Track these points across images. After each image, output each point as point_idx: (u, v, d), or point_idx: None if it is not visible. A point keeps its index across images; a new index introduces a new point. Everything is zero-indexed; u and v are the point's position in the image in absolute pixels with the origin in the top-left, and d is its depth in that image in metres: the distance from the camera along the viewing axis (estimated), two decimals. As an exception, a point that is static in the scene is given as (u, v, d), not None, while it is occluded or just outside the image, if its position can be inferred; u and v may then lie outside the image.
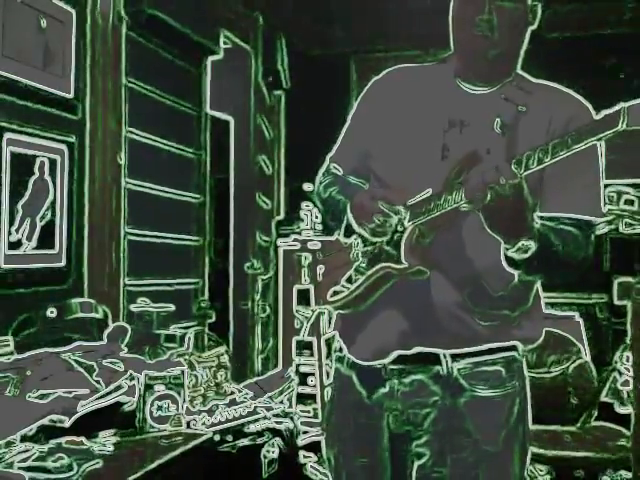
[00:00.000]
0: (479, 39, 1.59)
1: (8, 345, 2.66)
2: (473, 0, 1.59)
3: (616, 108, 1.30)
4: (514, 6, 1.59)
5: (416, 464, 1.65)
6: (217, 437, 2.70)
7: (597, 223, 1.60)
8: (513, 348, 1.64)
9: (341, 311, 1.74)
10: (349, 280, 1.67)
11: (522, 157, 1.38)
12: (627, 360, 3.43)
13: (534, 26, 1.65)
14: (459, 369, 1.61)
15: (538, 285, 1.67)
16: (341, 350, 1.76)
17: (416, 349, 1.61)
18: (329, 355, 3.63)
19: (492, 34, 1.58)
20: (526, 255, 1.45)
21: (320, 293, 1.75)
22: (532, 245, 1.45)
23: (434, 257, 1.56)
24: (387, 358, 1.64)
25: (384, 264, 1.59)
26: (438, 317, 1.59)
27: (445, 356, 1.61)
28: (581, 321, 4.04)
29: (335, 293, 1.69)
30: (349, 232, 1.68)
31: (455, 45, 1.67)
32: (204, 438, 2.55)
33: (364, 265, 1.64)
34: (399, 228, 1.57)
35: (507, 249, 1.47)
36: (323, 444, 1.83)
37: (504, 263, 1.50)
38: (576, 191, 1.58)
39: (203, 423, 2.69)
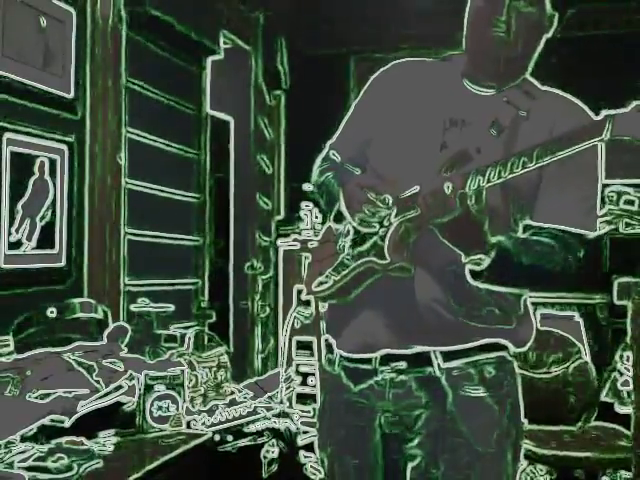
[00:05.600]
0: (494, 40, 1.58)
1: (8, 345, 2.66)
2: (493, 0, 1.59)
3: (601, 117, 1.30)
4: (533, 11, 1.59)
5: (409, 466, 1.64)
6: (217, 437, 2.70)
7: (589, 238, 1.59)
8: (503, 348, 1.64)
9: (326, 302, 1.74)
10: (335, 271, 1.66)
11: (507, 161, 1.39)
12: (627, 360, 3.43)
13: (549, 34, 1.64)
14: (450, 369, 1.60)
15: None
16: (330, 351, 1.75)
17: (404, 349, 1.61)
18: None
19: (508, 36, 1.57)
20: (478, 268, 1.48)
21: (306, 284, 1.76)
22: (484, 259, 1.46)
23: (418, 255, 1.56)
24: (373, 353, 1.64)
25: (368, 258, 1.59)
26: (422, 315, 1.59)
27: (436, 357, 1.60)
28: (581, 321, 4.04)
29: (321, 284, 1.69)
30: (340, 219, 1.68)
31: (468, 44, 1.66)
32: (204, 438, 2.55)
33: (349, 257, 1.64)
34: (385, 223, 1.57)
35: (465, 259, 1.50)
36: (316, 445, 1.82)
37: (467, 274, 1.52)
38: (571, 203, 1.57)
39: (203, 423, 2.69)
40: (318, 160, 1.86)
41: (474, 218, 1.43)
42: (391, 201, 1.55)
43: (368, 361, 1.66)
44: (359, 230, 1.63)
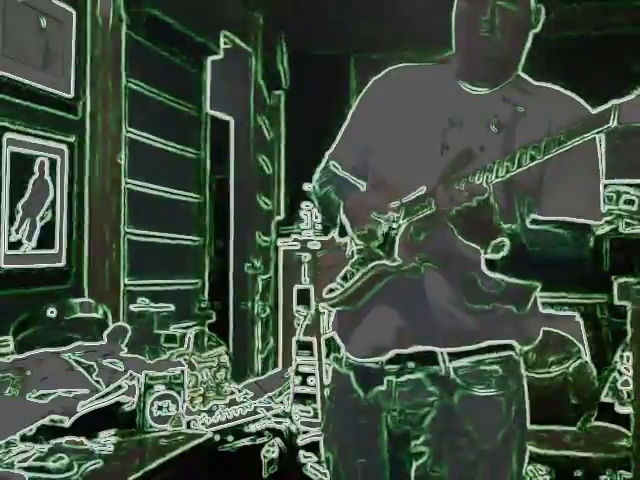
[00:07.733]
0: (481, 40, 1.59)
1: (8, 345, 2.66)
2: (476, 1, 1.60)
3: (607, 105, 1.30)
4: (517, 8, 1.60)
5: (415, 464, 1.64)
6: (217, 437, 2.70)
7: (596, 227, 1.61)
8: (510, 347, 1.64)
9: (337, 308, 1.75)
10: (344, 277, 1.67)
11: (515, 154, 1.39)
12: (627, 360, 3.43)
13: (537, 29, 1.65)
14: (457, 368, 1.61)
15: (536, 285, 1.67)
16: (338, 350, 1.76)
17: (413, 348, 1.62)
18: (329, 355, 3.63)
19: (494, 35, 1.58)
20: (502, 253, 1.47)
21: (316, 291, 1.76)
22: (505, 242, 1.46)
23: (428, 254, 1.57)
24: (383, 356, 1.64)
25: (379, 262, 1.60)
26: (433, 314, 1.60)
27: (443, 355, 1.61)
28: (581, 321, 4.04)
29: (331, 290, 1.69)
30: (344, 231, 1.68)
31: (456, 45, 1.67)
32: (204, 438, 2.55)
33: (359, 263, 1.64)
34: (394, 226, 1.58)
35: (484, 253, 1.49)
36: (322, 445, 1.82)
37: (484, 267, 1.52)
38: (576, 194, 1.58)
39: (203, 423, 2.69)
40: (317, 172, 1.86)
41: (485, 206, 1.43)
42: (395, 216, 1.56)
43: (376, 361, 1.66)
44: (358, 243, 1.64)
